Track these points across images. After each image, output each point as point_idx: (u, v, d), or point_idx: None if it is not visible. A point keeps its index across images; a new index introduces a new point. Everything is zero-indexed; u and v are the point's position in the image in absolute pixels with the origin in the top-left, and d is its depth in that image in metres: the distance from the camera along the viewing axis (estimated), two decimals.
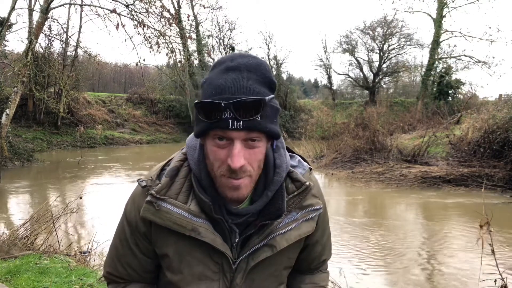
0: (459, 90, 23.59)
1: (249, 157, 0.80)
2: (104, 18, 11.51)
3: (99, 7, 11.32)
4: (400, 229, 6.38)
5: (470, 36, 23.53)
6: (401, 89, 32.80)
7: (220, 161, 0.80)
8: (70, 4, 13.49)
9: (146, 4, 11.19)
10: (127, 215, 0.95)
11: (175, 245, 0.89)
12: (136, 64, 12.04)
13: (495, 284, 2.64)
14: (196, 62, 25.57)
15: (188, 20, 21.05)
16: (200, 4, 20.17)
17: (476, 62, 24.04)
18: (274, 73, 27.38)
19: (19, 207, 7.88)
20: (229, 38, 29.89)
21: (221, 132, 0.78)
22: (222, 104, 0.74)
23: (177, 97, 26.32)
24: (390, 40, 30.23)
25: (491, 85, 56.91)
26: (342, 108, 28.62)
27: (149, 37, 11.23)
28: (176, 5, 24.03)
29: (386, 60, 30.74)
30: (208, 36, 28.42)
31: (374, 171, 10.48)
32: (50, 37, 17.01)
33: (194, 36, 24.47)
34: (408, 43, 29.67)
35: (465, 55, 24.27)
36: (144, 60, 21.79)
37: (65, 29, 17.23)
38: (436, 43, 24.05)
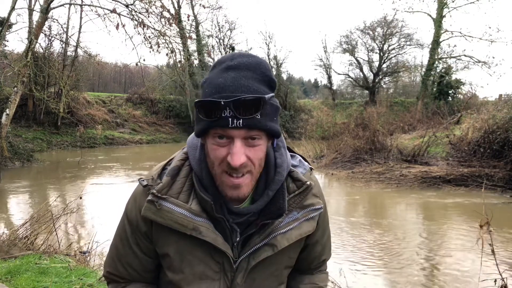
0: (459, 90, 23.62)
1: (250, 155, 0.80)
2: (104, 18, 11.53)
3: (99, 7, 11.35)
4: (400, 229, 6.38)
5: (470, 36, 23.59)
6: (401, 89, 32.83)
7: (221, 159, 0.80)
8: (70, 4, 13.50)
9: (146, 4, 11.20)
10: (128, 214, 0.94)
11: (176, 244, 0.89)
12: (136, 64, 12.06)
13: (495, 284, 2.64)
14: (196, 62, 25.58)
15: (188, 20, 21.09)
16: (200, 4, 20.22)
17: (476, 62, 24.07)
18: (274, 73, 27.30)
19: (19, 207, 7.87)
20: (229, 38, 29.97)
21: (221, 131, 0.78)
22: (222, 103, 0.74)
23: (177, 97, 26.31)
24: (390, 40, 30.30)
25: (491, 85, 56.93)
26: (342, 108, 28.63)
27: (149, 37, 11.25)
28: (176, 5, 24.06)
29: (386, 60, 30.79)
30: (208, 36, 28.49)
31: (374, 171, 10.47)
32: (50, 37, 17.04)
33: (194, 36, 24.49)
34: (408, 43, 29.77)
35: (465, 55, 24.32)
36: (144, 60, 21.85)
37: (65, 29, 17.27)
38: (436, 43, 24.06)
